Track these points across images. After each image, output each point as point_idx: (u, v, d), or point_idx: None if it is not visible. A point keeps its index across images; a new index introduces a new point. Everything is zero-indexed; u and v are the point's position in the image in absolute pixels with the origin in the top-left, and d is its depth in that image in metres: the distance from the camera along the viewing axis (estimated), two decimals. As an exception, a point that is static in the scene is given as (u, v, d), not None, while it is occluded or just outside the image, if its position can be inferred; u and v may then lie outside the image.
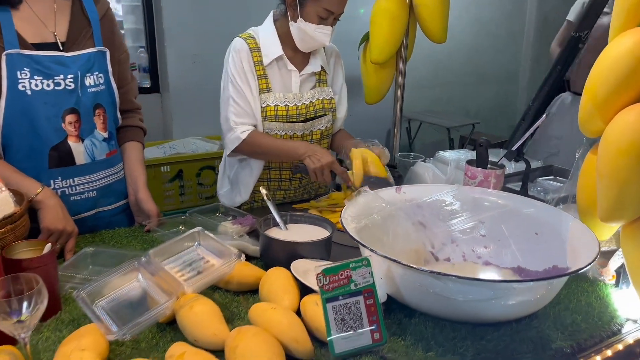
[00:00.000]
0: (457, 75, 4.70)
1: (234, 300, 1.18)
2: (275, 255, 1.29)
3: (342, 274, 1.01)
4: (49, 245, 1.10)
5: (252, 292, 1.21)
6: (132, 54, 3.61)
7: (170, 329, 1.06)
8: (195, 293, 1.07)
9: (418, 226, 1.42)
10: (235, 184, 1.84)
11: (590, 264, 1.03)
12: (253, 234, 1.54)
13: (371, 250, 1.07)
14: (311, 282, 1.12)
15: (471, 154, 1.85)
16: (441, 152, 1.83)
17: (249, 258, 1.37)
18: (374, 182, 1.58)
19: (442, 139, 4.59)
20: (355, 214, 1.29)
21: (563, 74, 2.74)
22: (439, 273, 1.00)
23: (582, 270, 1.01)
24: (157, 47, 3.54)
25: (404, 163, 1.90)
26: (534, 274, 1.24)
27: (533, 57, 5.17)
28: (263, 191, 1.44)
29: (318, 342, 1.03)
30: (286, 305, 1.08)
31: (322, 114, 1.74)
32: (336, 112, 1.79)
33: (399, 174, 1.81)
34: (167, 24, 3.39)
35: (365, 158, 1.58)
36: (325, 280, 1.00)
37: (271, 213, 1.40)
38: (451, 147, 4.27)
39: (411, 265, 1.02)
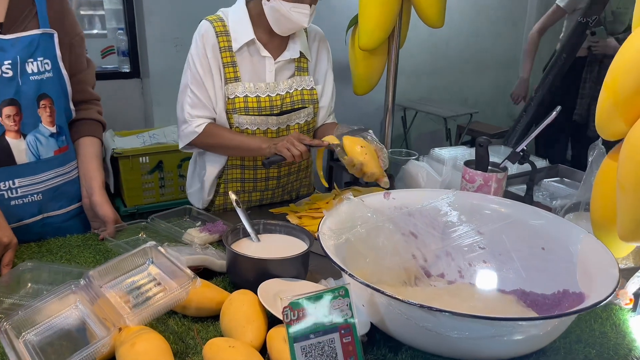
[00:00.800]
0: (455, 62, 4.50)
1: (191, 328, 1.01)
2: (242, 274, 1.12)
3: (314, 307, 0.84)
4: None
5: (213, 317, 1.04)
6: (110, 37, 3.42)
7: (111, 368, 0.89)
8: (141, 325, 0.90)
9: (409, 237, 1.25)
10: (204, 182, 1.64)
11: (610, 294, 0.86)
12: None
13: (350, 276, 0.90)
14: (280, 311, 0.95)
15: (469, 153, 1.67)
16: (437, 150, 1.65)
17: (217, 274, 1.20)
18: (354, 132, 1.41)
19: (438, 128, 4.41)
20: (336, 226, 1.11)
21: (569, 63, 2.55)
22: (430, 308, 0.82)
23: (602, 304, 0.85)
24: (137, 30, 3.32)
25: (395, 161, 1.72)
26: (540, 300, 1.07)
27: (534, 44, 4.96)
28: (232, 196, 1.26)
29: (285, 386, 0.86)
30: (249, 339, 0.91)
31: (300, 106, 1.56)
32: (318, 103, 1.60)
33: (389, 173, 1.63)
34: (147, 5, 3.17)
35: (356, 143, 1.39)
36: (294, 315, 0.83)
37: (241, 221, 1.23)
38: (448, 138, 4.09)
39: (396, 296, 0.85)
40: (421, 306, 0.83)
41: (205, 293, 1.03)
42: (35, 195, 1.30)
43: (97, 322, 0.91)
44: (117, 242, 1.27)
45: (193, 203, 1.70)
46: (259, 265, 1.09)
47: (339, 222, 1.13)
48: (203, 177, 1.63)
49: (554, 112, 1.29)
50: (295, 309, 0.83)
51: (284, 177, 1.64)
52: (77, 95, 1.40)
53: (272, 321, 0.97)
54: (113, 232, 1.33)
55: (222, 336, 0.97)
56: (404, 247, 1.22)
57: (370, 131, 1.46)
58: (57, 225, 1.37)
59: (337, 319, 0.85)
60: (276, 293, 1.04)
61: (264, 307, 0.98)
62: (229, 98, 1.49)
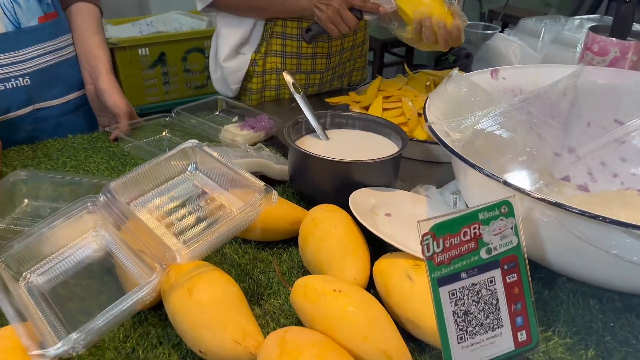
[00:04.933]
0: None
1: (258, 259, 0.73)
2: (315, 182, 0.82)
3: (465, 233, 0.55)
4: None
5: (285, 242, 0.76)
6: None
7: (158, 320, 0.62)
8: (195, 261, 0.61)
9: (527, 128, 0.94)
10: (235, 57, 1.28)
11: None
12: (272, 142, 1.06)
13: (510, 185, 0.60)
14: (386, 232, 0.67)
15: (576, 23, 1.31)
16: (526, 21, 1.30)
17: (272, 182, 0.90)
18: None
19: (467, 11, 3.93)
20: (444, 113, 0.80)
21: None
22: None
23: None
24: None
25: (471, 35, 1.36)
26: None
27: None
28: (288, 78, 0.93)
29: (414, 342, 0.59)
30: (352, 276, 0.63)
31: None
32: None
33: (467, 51, 1.29)
34: None
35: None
36: (437, 246, 0.54)
37: (302, 114, 0.91)
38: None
39: (590, 212, 0.55)
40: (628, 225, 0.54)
41: (275, 209, 0.73)
42: (21, 79, 0.96)
43: (131, 255, 0.62)
44: (136, 143, 0.96)
45: (220, 91, 1.36)
46: (341, 170, 0.79)
47: (447, 106, 0.82)
48: (225, 45, 1.26)
49: None
50: (439, 237, 0.54)
51: (336, 54, 1.29)
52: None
53: (373, 250, 0.69)
54: (128, 129, 1.01)
55: (305, 270, 0.70)
56: (523, 142, 0.92)
57: (454, 1, 1.08)
58: (53, 120, 1.05)
59: (499, 248, 0.56)
60: (372, 208, 0.75)
61: (360, 227, 0.69)
62: None
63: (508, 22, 3.79)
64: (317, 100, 1.32)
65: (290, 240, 0.75)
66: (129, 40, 2.54)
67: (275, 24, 1.20)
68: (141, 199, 0.70)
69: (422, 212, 0.79)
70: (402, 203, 0.80)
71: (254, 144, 1.04)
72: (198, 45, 2.67)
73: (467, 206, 0.79)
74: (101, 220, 0.66)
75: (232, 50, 1.24)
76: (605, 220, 0.54)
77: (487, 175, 0.62)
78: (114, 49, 2.52)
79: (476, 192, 0.71)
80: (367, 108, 1.10)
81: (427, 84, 1.17)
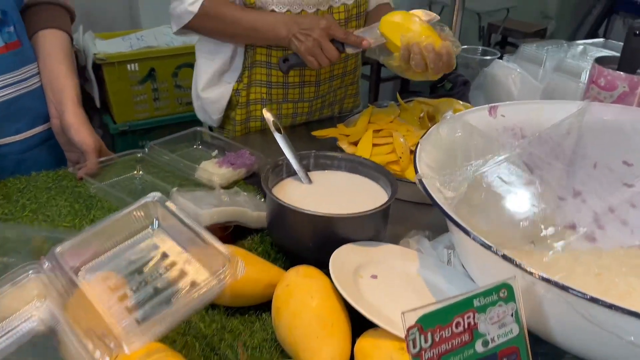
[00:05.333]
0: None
1: (227, 329, 0.64)
2: (294, 236, 0.74)
3: (458, 324, 0.47)
4: None
5: (259, 308, 0.68)
6: None
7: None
8: (150, 342, 0.53)
9: (528, 176, 0.87)
10: (215, 86, 1.21)
11: None
12: (253, 179, 0.99)
13: (511, 261, 0.52)
14: (370, 301, 0.59)
15: (578, 50, 1.24)
16: (527, 47, 1.22)
17: (251, 231, 0.82)
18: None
19: (464, 26, 3.85)
20: (437, 162, 0.72)
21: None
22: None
23: None
24: None
25: (469, 61, 1.29)
26: None
27: None
28: (268, 116, 0.85)
29: None
30: (329, 358, 0.55)
31: None
32: None
33: (464, 78, 1.22)
34: None
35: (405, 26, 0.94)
36: (425, 341, 0.46)
37: (283, 155, 0.83)
38: (481, 38, 3.58)
39: (604, 301, 0.47)
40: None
41: (247, 271, 0.65)
42: (-21, 115, 0.89)
43: (74, 337, 0.54)
44: (100, 186, 0.88)
45: (202, 120, 1.29)
46: (322, 225, 0.71)
47: (440, 153, 0.74)
48: (202, 73, 1.19)
49: None
50: (428, 330, 0.46)
51: (325, 82, 1.21)
52: (28, -33, 0.95)
53: (356, 322, 0.61)
54: (96, 168, 0.93)
55: (279, 345, 0.62)
56: (524, 191, 0.84)
57: (446, 27, 1.00)
58: (15, 157, 0.97)
59: (498, 339, 0.48)
60: (356, 269, 0.67)
61: (340, 298, 0.61)
62: None
63: (508, 35, 3.74)
64: (305, 129, 1.25)
65: (264, 305, 0.67)
66: (118, 55, 2.46)
67: (258, 53, 1.13)
68: (93, 263, 0.62)
69: (412, 270, 0.72)
70: (390, 260, 0.72)
71: (234, 182, 0.97)
72: (189, 61, 2.59)
73: (463, 266, 0.71)
74: (45, 290, 0.58)
75: (210, 79, 1.17)
76: (623, 311, 0.46)
77: (484, 246, 0.54)
78: (102, 65, 2.45)
79: (472, 257, 0.63)
80: (356, 143, 1.02)
81: (421, 115, 1.09)
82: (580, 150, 0.89)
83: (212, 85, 1.18)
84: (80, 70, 2.56)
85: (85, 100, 2.65)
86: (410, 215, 0.93)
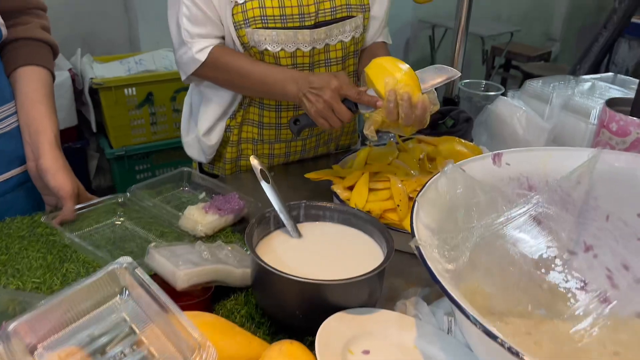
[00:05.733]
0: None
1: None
2: (280, 302, 0.68)
3: None
4: None
5: (237, 385, 0.61)
6: None
7: None
8: None
9: (533, 224, 0.80)
10: (216, 129, 1.17)
11: None
12: (242, 226, 0.93)
13: (515, 353, 0.45)
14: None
15: (587, 86, 1.18)
16: (532, 83, 1.16)
17: (236, 290, 0.76)
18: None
19: (467, 48, 3.81)
20: (437, 221, 0.66)
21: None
22: None
23: None
24: None
25: (472, 97, 1.23)
26: None
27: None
28: (255, 164, 0.80)
29: None
30: None
31: (346, 14, 1.05)
32: (369, 11, 1.09)
33: (467, 115, 1.16)
34: None
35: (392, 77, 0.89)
36: None
37: (272, 206, 0.77)
38: (485, 62, 3.54)
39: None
40: None
41: (224, 345, 0.59)
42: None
43: None
44: (73, 236, 0.82)
45: (192, 156, 1.24)
46: (311, 291, 0.65)
47: (440, 212, 0.68)
48: (205, 117, 1.15)
49: None
50: None
51: (316, 129, 1.16)
52: (6, 2, 0.90)
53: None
54: (72, 215, 0.87)
55: None
56: (532, 250, 0.78)
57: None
58: (-11, 201, 0.92)
59: None
60: (346, 344, 0.61)
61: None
62: (237, 3, 0.99)
63: (511, 58, 3.70)
64: (299, 167, 1.19)
65: (244, 383, 0.61)
66: (115, 80, 2.43)
67: None
68: (52, 340, 0.56)
69: (409, 341, 0.65)
70: (385, 329, 0.65)
71: (220, 230, 0.91)
72: (187, 85, 2.55)
73: (463, 335, 0.64)
74: (-4, 373, 0.52)
75: (212, 125, 1.14)
76: None
77: (488, 335, 0.47)
78: (99, 89, 2.42)
79: (474, 338, 0.57)
80: (352, 187, 0.96)
81: (421, 156, 1.03)
82: (592, 201, 0.82)
83: (213, 130, 1.14)
84: (78, 94, 2.53)
85: (82, 125, 2.63)
86: (409, 268, 0.87)
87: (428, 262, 0.56)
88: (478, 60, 3.62)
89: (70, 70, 2.45)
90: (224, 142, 1.16)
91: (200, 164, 1.24)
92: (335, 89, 0.88)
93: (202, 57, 1.02)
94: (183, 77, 1.10)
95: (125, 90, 2.46)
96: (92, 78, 2.41)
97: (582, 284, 0.80)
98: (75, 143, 2.57)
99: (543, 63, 3.63)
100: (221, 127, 1.15)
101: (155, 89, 2.51)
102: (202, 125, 1.15)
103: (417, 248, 0.59)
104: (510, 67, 3.73)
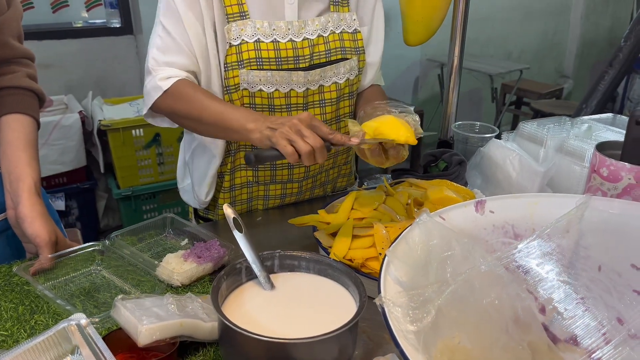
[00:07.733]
0: (499, 10, 3.87)
1: None
2: (245, 359, 0.65)
3: None
4: None
5: None
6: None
7: None
8: None
9: (514, 274, 0.76)
10: (196, 175, 1.17)
11: None
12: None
13: None
14: None
15: (583, 128, 1.15)
16: (527, 125, 1.13)
17: (204, 345, 0.73)
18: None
19: (476, 87, 3.82)
20: (408, 276, 0.63)
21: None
22: None
23: None
24: (127, -25, 2.79)
25: (465, 139, 1.21)
26: None
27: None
28: (229, 212, 0.78)
29: None
30: None
31: (340, 57, 1.05)
32: (364, 54, 1.09)
33: (460, 158, 1.13)
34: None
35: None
36: None
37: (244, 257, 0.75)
38: (494, 99, 3.52)
39: None
40: None
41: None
42: None
43: None
44: (41, 288, 0.81)
45: (188, 202, 1.23)
46: (278, 351, 0.62)
47: (412, 266, 0.65)
48: (199, 166, 1.15)
49: None
50: None
51: (316, 165, 1.14)
52: (-7, 52, 0.92)
53: None
54: (48, 264, 0.86)
55: None
56: (510, 295, 0.73)
57: (411, 109, 0.93)
58: (-32, 250, 0.91)
59: None
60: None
61: None
62: (231, 45, 0.99)
63: (522, 95, 3.68)
64: (294, 210, 1.17)
65: None
66: (122, 122, 2.47)
67: None
68: (-4, 404, 0.53)
69: (380, 406, 0.61)
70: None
71: (198, 279, 0.89)
72: (194, 126, 2.58)
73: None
74: None
75: (211, 182, 1.13)
76: None
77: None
78: (107, 131, 2.46)
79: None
80: (335, 234, 0.93)
81: (409, 202, 1.00)
82: (582, 251, 0.78)
83: (203, 180, 1.14)
84: (87, 136, 2.58)
85: (92, 165, 2.66)
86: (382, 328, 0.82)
87: (390, 323, 0.53)
88: (488, 98, 3.60)
89: (80, 112, 2.50)
90: (216, 190, 1.15)
91: (196, 210, 1.23)
92: (302, 119, 0.83)
93: (166, 85, 0.97)
94: (144, 111, 1.05)
95: (133, 132, 2.49)
96: (100, 120, 2.46)
97: (573, 340, 0.75)
98: (84, 183, 2.60)
99: (554, 100, 3.59)
100: (212, 174, 1.13)
101: (163, 130, 2.54)
102: (198, 181, 1.15)
103: (382, 309, 0.55)
104: (521, 104, 3.70)
